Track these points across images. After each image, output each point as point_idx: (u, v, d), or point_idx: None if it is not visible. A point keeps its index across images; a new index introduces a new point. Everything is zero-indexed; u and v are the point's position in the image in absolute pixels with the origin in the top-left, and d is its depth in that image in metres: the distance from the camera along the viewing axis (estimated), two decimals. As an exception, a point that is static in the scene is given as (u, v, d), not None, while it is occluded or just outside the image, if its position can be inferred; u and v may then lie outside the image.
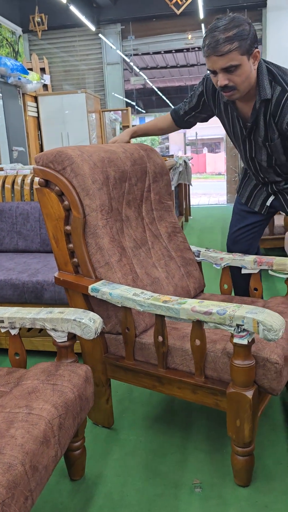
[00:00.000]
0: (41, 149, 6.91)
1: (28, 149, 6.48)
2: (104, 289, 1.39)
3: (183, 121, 1.91)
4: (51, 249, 2.58)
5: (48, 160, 1.49)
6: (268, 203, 1.88)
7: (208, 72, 1.56)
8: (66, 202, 1.47)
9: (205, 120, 1.91)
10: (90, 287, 1.42)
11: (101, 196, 1.49)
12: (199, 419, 1.65)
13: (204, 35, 1.46)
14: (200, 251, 1.89)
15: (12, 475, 0.83)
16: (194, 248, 1.92)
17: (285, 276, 1.66)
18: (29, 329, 2.15)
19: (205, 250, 1.88)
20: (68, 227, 1.49)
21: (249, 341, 1.19)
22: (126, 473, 1.40)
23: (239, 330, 1.17)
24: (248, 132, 1.67)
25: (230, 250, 2.00)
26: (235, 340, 1.19)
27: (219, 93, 1.66)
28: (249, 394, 1.21)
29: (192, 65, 10.21)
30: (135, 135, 1.95)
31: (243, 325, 1.16)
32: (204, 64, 9.91)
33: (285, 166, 1.71)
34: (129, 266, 1.54)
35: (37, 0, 6.60)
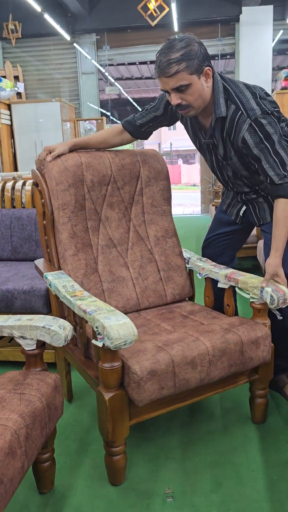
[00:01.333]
0: (14, 158, 6.83)
1: (1, 157, 6.40)
2: (50, 278, 1.58)
3: (141, 132, 1.81)
4: (22, 257, 2.54)
5: (40, 163, 1.73)
6: (241, 213, 1.87)
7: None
8: (42, 200, 1.72)
9: (170, 124, 1.85)
10: (44, 274, 1.63)
11: (65, 197, 1.66)
12: (171, 428, 1.63)
13: (158, 54, 1.47)
14: (190, 258, 1.88)
15: (-26, 489, 0.80)
16: (187, 255, 1.90)
17: (247, 296, 1.56)
18: (-1, 339, 2.10)
19: (196, 259, 1.85)
20: (44, 222, 1.74)
21: (105, 344, 1.20)
22: (97, 484, 1.37)
23: (98, 333, 1.24)
24: (208, 147, 1.69)
25: (203, 253, 2.01)
26: (93, 341, 1.28)
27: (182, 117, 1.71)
28: (107, 396, 1.25)
29: (167, 77, 10.31)
30: (74, 147, 1.76)
31: (97, 328, 1.23)
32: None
33: (252, 179, 1.70)
34: (85, 261, 1.67)
35: (10, 8, 6.57)
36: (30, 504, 1.30)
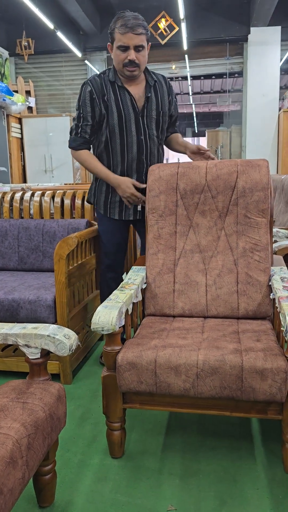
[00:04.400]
0: (23, 170, 6.91)
1: (10, 169, 6.47)
2: (131, 270, 1.91)
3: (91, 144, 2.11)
4: (29, 267, 2.54)
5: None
6: (139, 208, 2.12)
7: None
8: None
9: (98, 124, 2.06)
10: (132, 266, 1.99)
11: (155, 202, 1.91)
12: (173, 443, 1.60)
13: (121, 17, 1.83)
14: (273, 276, 1.75)
15: (-26, 497, 0.78)
16: (275, 271, 1.80)
17: None
18: (3, 349, 2.09)
19: (280, 278, 1.72)
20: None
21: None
22: (98, 500, 1.34)
23: None
24: (142, 109, 2.01)
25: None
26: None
27: (106, 86, 1.97)
28: (103, 374, 1.46)
29: (176, 94, 10.47)
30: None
31: None
32: (187, 93, 10.17)
33: (159, 144, 2.12)
34: (162, 261, 1.87)
35: (24, 25, 6.73)
36: (30, 517, 1.28)
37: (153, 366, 1.37)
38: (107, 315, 1.39)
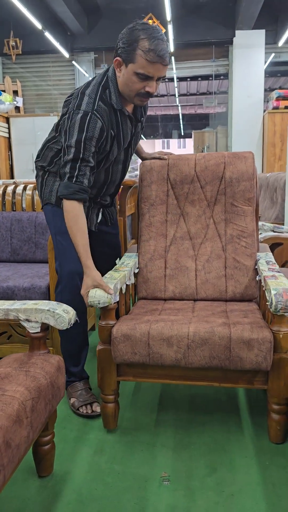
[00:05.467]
0: (11, 169, 6.92)
1: (-2, 168, 6.49)
2: (123, 256, 1.96)
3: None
4: (21, 258, 2.59)
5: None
6: (99, 219, 1.85)
7: (94, 102, 1.51)
8: None
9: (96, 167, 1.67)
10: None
11: (146, 192, 1.99)
12: (165, 419, 1.68)
13: (148, 37, 1.42)
14: (259, 260, 1.84)
15: (-14, 447, 0.84)
16: (260, 256, 1.88)
17: None
18: (-2, 335, 2.14)
19: (265, 262, 1.80)
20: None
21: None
22: (95, 469, 1.41)
23: None
24: (134, 127, 1.71)
25: None
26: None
27: (111, 116, 1.58)
28: (98, 347, 1.54)
29: (162, 95, 10.60)
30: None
31: None
32: (174, 95, 10.30)
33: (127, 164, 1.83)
34: (154, 247, 1.94)
35: (12, 25, 6.76)
36: (31, 486, 1.33)
37: (146, 337, 1.46)
38: (102, 289, 1.47)
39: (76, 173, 1.52)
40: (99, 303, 1.45)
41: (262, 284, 1.62)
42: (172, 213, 1.98)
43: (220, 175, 1.93)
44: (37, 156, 1.81)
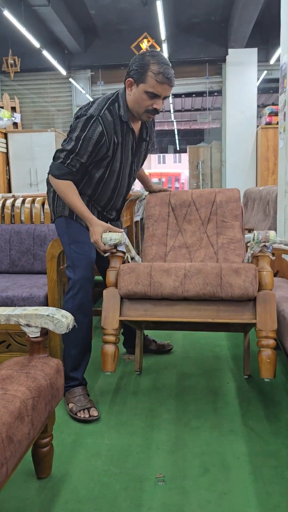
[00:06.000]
0: (9, 184, 7.02)
1: (-4, 182, 6.58)
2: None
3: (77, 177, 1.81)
4: (20, 270, 2.65)
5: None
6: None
7: (103, 114, 1.72)
8: None
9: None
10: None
11: (151, 211, 2.33)
12: (160, 423, 1.73)
13: (158, 62, 1.69)
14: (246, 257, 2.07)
15: (-10, 440, 0.90)
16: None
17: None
18: (-3, 344, 2.19)
19: (250, 255, 1.98)
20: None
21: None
22: (92, 471, 1.45)
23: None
24: (137, 143, 1.93)
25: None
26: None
27: (116, 125, 1.77)
28: (105, 290, 1.77)
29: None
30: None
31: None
32: (169, 111, 10.48)
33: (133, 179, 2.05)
34: (155, 251, 2.21)
35: (10, 43, 6.93)
36: (30, 487, 1.38)
37: (148, 269, 1.71)
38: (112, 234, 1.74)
39: (68, 162, 1.75)
40: (110, 240, 1.70)
41: (249, 254, 1.86)
42: (172, 229, 2.28)
43: (212, 200, 2.29)
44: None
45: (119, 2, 6.34)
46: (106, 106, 1.75)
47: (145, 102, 1.74)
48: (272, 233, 1.72)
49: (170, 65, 1.74)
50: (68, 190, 1.76)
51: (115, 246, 1.78)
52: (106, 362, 1.70)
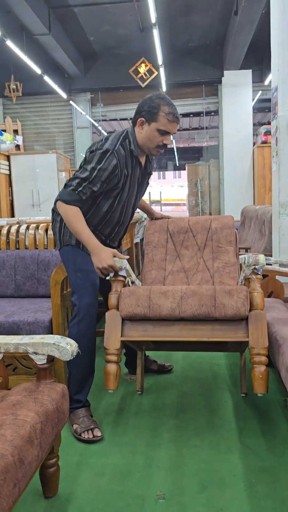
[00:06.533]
0: (11, 205, 7.17)
1: (-1, 204, 6.74)
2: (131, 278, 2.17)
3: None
4: (25, 294, 2.76)
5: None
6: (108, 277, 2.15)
7: (114, 147, 1.88)
8: None
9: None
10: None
11: (150, 237, 2.47)
12: (160, 443, 1.81)
13: (167, 104, 1.90)
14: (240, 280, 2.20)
15: (4, 462, 0.99)
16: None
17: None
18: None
19: (243, 277, 2.06)
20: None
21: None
22: (96, 490, 1.54)
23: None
24: (142, 174, 2.11)
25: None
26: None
27: (127, 159, 1.93)
28: (107, 312, 1.88)
29: (156, 131, 11.00)
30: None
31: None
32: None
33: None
34: (155, 276, 2.33)
35: (13, 69, 7.16)
36: (37, 507, 1.46)
37: (148, 292, 1.83)
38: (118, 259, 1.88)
39: (80, 189, 1.86)
40: (118, 264, 1.86)
41: (241, 277, 1.99)
42: (170, 255, 2.40)
43: (208, 227, 2.42)
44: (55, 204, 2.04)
45: (117, 28, 6.58)
46: (119, 141, 1.92)
47: (156, 138, 1.93)
48: (261, 256, 1.85)
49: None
50: (76, 217, 1.85)
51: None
52: (108, 381, 1.80)
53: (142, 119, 1.92)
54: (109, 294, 1.90)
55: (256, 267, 1.84)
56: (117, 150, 1.89)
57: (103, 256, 1.83)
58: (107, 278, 1.94)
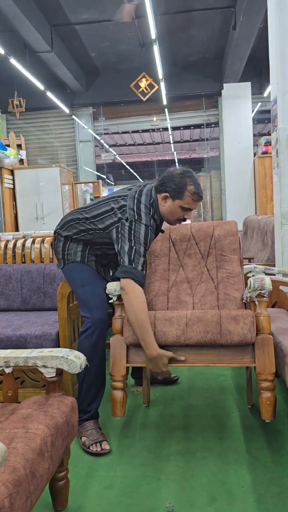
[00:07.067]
0: (15, 218, 7.24)
1: (3, 217, 6.80)
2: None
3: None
4: (31, 307, 2.79)
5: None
6: (110, 273, 2.22)
7: (147, 222, 1.89)
8: None
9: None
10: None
11: (152, 247, 2.40)
12: (169, 454, 1.82)
13: (194, 184, 1.93)
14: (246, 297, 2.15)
15: (17, 475, 1.01)
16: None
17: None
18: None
19: (248, 292, 2.01)
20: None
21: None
22: (106, 502, 1.55)
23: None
24: (157, 234, 2.14)
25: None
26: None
27: (153, 229, 1.96)
28: (112, 337, 1.91)
29: (158, 143, 11.13)
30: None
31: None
32: (169, 142, 10.80)
33: None
34: (158, 287, 2.28)
35: (16, 86, 7.29)
36: (47, 519, 1.47)
37: (152, 319, 1.82)
38: (117, 284, 1.88)
39: (141, 263, 1.84)
40: (115, 291, 1.88)
41: (247, 300, 1.98)
42: (173, 264, 2.35)
43: (211, 234, 2.36)
44: (60, 227, 2.09)
45: (118, 44, 6.69)
46: (151, 214, 1.94)
47: (178, 214, 1.99)
48: (267, 280, 1.83)
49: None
50: (145, 310, 1.79)
51: (120, 296, 1.90)
52: (115, 408, 1.81)
53: (167, 194, 1.95)
54: (113, 318, 1.93)
55: (262, 291, 1.83)
56: (152, 225, 1.93)
57: (160, 364, 1.80)
58: (110, 301, 1.97)
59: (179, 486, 1.62)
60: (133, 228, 1.88)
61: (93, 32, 6.24)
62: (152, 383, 2.49)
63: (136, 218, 1.89)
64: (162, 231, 2.18)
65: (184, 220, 2.05)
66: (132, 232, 1.87)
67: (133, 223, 1.88)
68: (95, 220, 1.99)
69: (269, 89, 7.24)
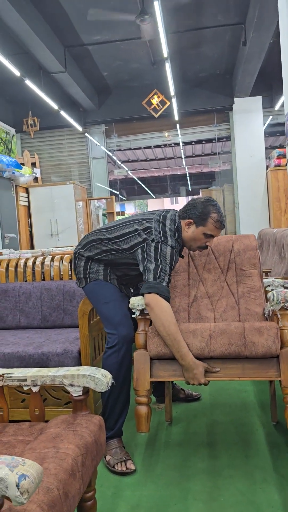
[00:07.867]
0: (31, 235, 7.33)
1: (19, 235, 6.89)
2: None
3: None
4: (51, 324, 2.81)
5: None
6: (131, 290, 2.26)
7: (171, 247, 1.92)
8: None
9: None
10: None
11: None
12: (195, 474, 1.80)
13: (217, 212, 1.97)
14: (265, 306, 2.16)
15: (51, 496, 1.01)
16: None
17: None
18: (33, 399, 2.30)
19: (270, 307, 2.02)
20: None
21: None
22: (133, 523, 1.53)
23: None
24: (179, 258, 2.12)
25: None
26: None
27: (177, 246, 2.00)
28: (136, 352, 1.91)
29: (169, 158, 11.21)
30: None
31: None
32: (180, 157, 10.88)
33: None
34: (178, 303, 2.25)
35: (30, 106, 7.44)
36: None
37: None
38: (141, 299, 1.90)
39: (166, 280, 1.88)
40: (138, 305, 1.90)
41: (269, 308, 1.96)
42: (192, 279, 2.33)
43: (230, 248, 2.33)
44: (82, 248, 2.10)
45: (129, 63, 6.82)
46: (176, 237, 1.99)
47: (201, 240, 2.02)
48: None
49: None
50: (175, 324, 1.82)
51: (143, 310, 1.92)
52: (140, 424, 1.80)
53: (191, 220, 1.99)
54: (136, 333, 1.93)
55: (286, 304, 1.82)
56: (176, 248, 1.99)
57: (197, 375, 1.79)
58: (133, 316, 1.97)
59: (207, 506, 1.59)
60: (159, 248, 1.91)
61: (105, 52, 6.37)
62: (174, 400, 2.47)
63: (162, 239, 1.93)
64: (182, 256, 2.19)
65: (206, 247, 2.07)
66: (159, 252, 1.90)
67: (160, 243, 1.92)
68: (118, 240, 2.01)
69: (280, 102, 7.28)
